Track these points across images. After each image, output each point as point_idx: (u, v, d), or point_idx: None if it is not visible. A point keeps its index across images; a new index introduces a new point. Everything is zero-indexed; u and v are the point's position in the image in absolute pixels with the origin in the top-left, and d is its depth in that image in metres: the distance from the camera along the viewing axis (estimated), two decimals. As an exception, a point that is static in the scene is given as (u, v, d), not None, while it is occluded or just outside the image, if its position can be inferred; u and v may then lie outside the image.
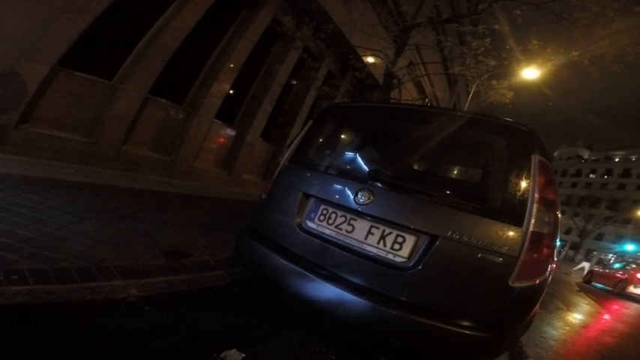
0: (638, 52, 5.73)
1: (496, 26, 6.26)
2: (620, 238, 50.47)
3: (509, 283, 1.60)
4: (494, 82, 7.33)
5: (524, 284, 1.63)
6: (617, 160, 61.55)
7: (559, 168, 71.13)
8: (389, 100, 6.87)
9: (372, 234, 1.88)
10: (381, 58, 7.22)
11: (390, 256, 1.80)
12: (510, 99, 7.43)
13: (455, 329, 1.59)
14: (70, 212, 2.84)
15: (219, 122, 7.90)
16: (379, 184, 1.99)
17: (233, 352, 1.72)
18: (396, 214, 1.85)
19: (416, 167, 2.51)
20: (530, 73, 8.42)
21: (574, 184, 64.65)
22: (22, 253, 1.91)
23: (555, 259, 1.92)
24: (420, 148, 2.29)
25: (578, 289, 11.09)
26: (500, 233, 1.65)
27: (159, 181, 5.78)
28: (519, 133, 1.88)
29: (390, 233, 1.84)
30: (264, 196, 2.42)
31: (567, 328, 4.65)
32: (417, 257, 1.73)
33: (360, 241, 1.89)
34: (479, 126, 2.03)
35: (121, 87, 5.69)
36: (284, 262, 1.99)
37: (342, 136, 2.73)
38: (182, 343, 1.71)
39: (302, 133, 2.54)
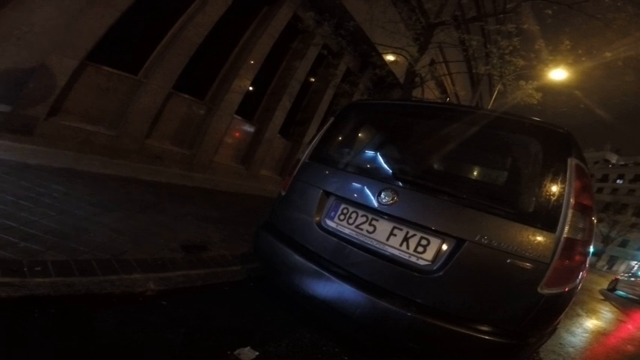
0: None
1: (525, 25, 6.05)
2: (646, 246, 48.65)
3: (538, 289, 1.55)
4: (522, 83, 7.10)
5: (553, 291, 1.58)
6: (647, 165, 58.96)
7: (584, 172, 68.75)
8: (410, 98, 6.76)
9: (395, 235, 1.83)
10: (404, 56, 7.09)
11: (413, 259, 1.75)
12: (538, 100, 7.17)
13: (478, 335, 1.56)
14: (93, 204, 2.89)
15: (239, 118, 7.98)
16: (404, 184, 1.93)
17: (247, 349, 1.72)
18: (421, 215, 1.79)
19: (443, 168, 2.43)
20: (559, 74, 8.14)
21: (600, 190, 62.38)
22: (46, 244, 1.94)
23: (587, 266, 1.83)
24: (447, 148, 2.21)
25: (602, 297, 10.71)
26: (532, 238, 1.59)
27: (180, 175, 5.87)
28: (555, 135, 1.79)
29: (414, 235, 1.78)
30: (283, 193, 2.39)
31: (587, 335, 4.53)
32: (441, 261, 1.68)
33: (382, 242, 1.84)
34: (511, 126, 1.95)
35: (146, 82, 5.81)
36: (302, 260, 1.97)
37: (365, 134, 2.67)
38: (197, 338, 1.72)
39: (323, 130, 2.49)
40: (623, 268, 42.49)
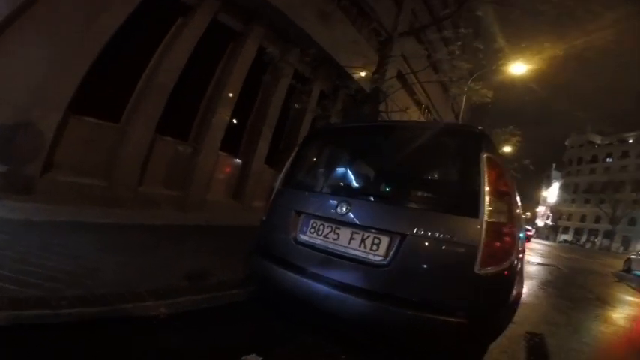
0: (604, 36, 5.96)
1: (461, 30, 6.56)
2: (654, 221, 48.38)
3: (475, 270, 1.78)
4: (471, 85, 7.57)
5: (490, 270, 1.80)
6: (630, 141, 60.08)
7: (573, 156, 69.76)
8: (378, 113, 7.16)
9: (354, 239, 2.16)
10: (365, 74, 7.52)
11: (371, 256, 2.06)
12: (491, 98, 7.63)
13: (432, 315, 1.77)
14: (100, 248, 3.22)
15: (225, 154, 8.26)
16: (354, 196, 2.34)
17: (252, 356, 1.96)
18: (371, 219, 2.16)
19: (384, 177, 2.83)
20: (519, 68, 8.66)
21: (592, 171, 63.19)
22: (67, 283, 2.26)
23: (520, 245, 2.06)
24: (387, 159, 2.65)
25: (617, 279, 10.39)
26: (460, 226, 1.89)
27: (176, 216, 6.13)
28: (470, 135, 2.20)
29: (369, 236, 2.11)
30: (264, 218, 2.77)
31: (598, 318, 4.50)
32: (391, 254, 1.99)
33: (345, 246, 2.18)
34: (435, 133, 2.36)
35: (129, 129, 6.04)
36: (284, 271, 2.31)
37: (323, 157, 3.12)
38: (207, 351, 2.02)
39: (289, 160, 2.90)
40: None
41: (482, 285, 1.80)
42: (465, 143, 2.17)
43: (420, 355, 2.31)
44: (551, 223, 69.90)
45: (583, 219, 61.97)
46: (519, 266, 2.04)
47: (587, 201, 60.29)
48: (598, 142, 67.73)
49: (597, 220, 57.36)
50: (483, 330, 1.88)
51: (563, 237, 62.51)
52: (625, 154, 58.95)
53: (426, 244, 1.92)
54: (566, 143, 73.72)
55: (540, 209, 78.21)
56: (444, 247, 1.88)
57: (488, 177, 1.94)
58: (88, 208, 4.95)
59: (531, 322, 3.71)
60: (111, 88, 6.08)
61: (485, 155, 2.00)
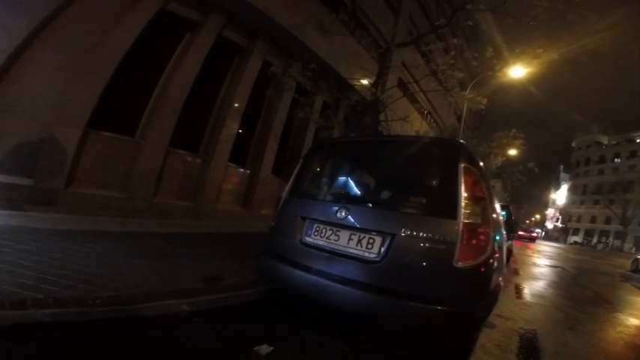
0: (598, 40, 6.13)
1: (454, 40, 6.80)
2: (666, 221, 47.46)
3: (454, 264, 2.04)
4: (464, 93, 7.76)
5: (468, 264, 2.05)
6: (638, 141, 59.48)
7: (580, 157, 69.15)
8: (378, 122, 7.39)
9: (352, 239, 2.45)
10: (366, 84, 7.75)
11: (366, 254, 2.35)
12: (486, 105, 7.82)
13: (420, 305, 2.00)
14: (122, 255, 3.52)
15: (233, 165, 8.60)
16: (351, 202, 2.65)
17: (264, 346, 2.23)
18: (366, 222, 2.45)
19: (378, 184, 3.13)
20: (517, 72, 8.83)
21: (601, 171, 62.57)
22: (98, 285, 2.56)
23: (495, 243, 2.26)
24: (380, 169, 2.99)
25: (623, 279, 10.30)
26: (441, 226, 2.17)
27: (189, 225, 6.45)
28: (449, 147, 2.52)
29: (364, 237, 2.40)
30: (273, 224, 3.07)
31: (595, 318, 4.52)
32: (383, 252, 2.27)
33: (345, 246, 2.47)
34: (420, 145, 2.68)
35: (144, 142, 6.43)
36: (292, 269, 2.58)
37: (325, 168, 3.42)
38: (225, 342, 2.30)
39: (294, 173, 3.21)
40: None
41: (461, 277, 2.05)
42: (446, 154, 2.46)
43: (417, 348, 2.55)
44: (560, 225, 69.14)
45: (593, 220, 61.23)
46: (496, 263, 2.26)
47: (596, 202, 59.61)
48: (605, 142, 67.02)
49: (608, 221, 56.65)
50: (464, 318, 2.06)
51: (573, 239, 61.81)
52: (633, 154, 58.30)
53: (413, 242, 2.19)
54: (573, 144, 73.11)
55: (549, 211, 77.51)
56: (427, 244, 2.15)
57: (465, 184, 2.23)
58: (108, 218, 5.26)
59: (528, 319, 3.89)
60: (126, 103, 6.46)
61: (462, 165, 2.29)
